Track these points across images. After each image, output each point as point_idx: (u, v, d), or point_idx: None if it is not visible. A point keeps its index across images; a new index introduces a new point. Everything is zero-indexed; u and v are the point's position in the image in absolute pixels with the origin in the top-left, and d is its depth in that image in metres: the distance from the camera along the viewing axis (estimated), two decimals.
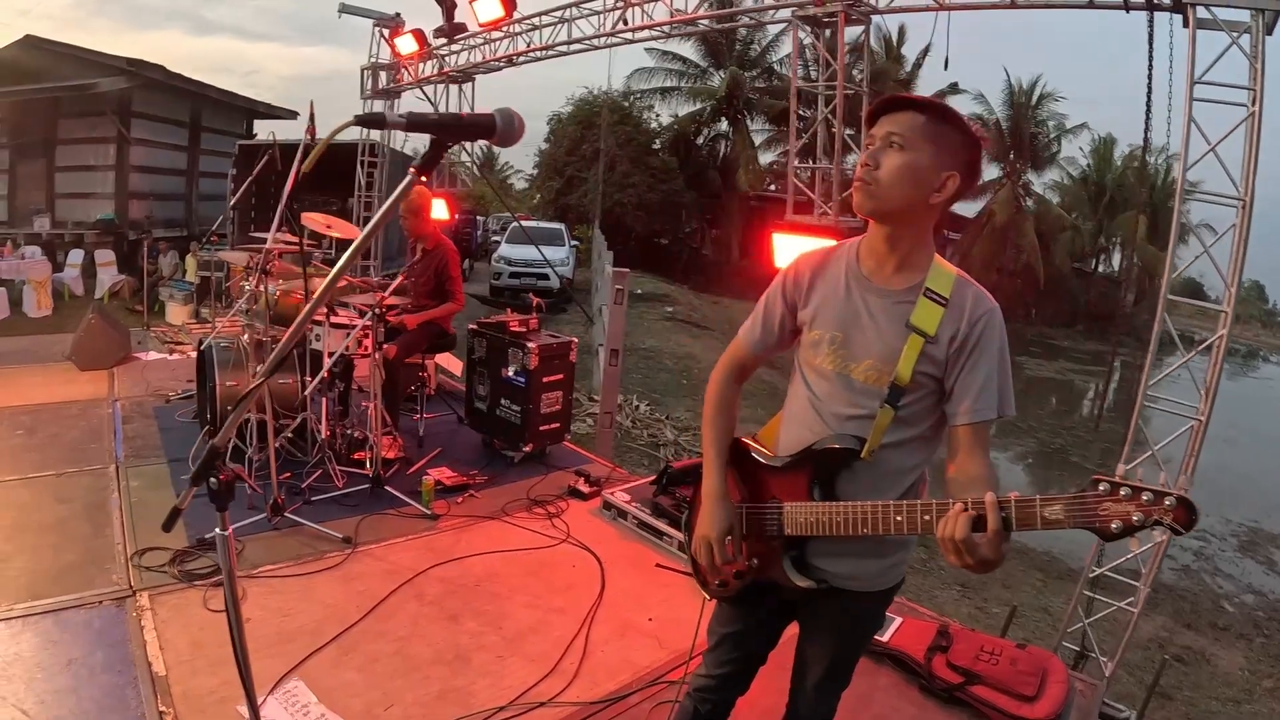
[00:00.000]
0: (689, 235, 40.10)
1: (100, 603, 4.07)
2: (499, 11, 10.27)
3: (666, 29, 9.84)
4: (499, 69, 12.25)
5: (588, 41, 10.30)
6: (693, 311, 26.28)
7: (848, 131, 7.57)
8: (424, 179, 1.74)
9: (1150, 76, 6.55)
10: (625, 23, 9.64)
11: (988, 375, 2.07)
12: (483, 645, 4.03)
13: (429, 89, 13.46)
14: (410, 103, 14.28)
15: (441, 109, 13.26)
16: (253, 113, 22.85)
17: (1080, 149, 42.85)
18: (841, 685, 2.52)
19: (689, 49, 35.52)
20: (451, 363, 9.37)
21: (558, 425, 6.82)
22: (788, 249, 6.52)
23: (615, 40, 10.11)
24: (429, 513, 5.49)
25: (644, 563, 5.12)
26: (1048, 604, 9.98)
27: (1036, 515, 1.73)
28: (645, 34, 10.05)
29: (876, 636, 4.07)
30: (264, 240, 5.92)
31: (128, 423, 6.87)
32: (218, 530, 1.95)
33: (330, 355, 5.77)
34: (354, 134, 14.70)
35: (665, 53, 35.28)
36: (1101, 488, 1.67)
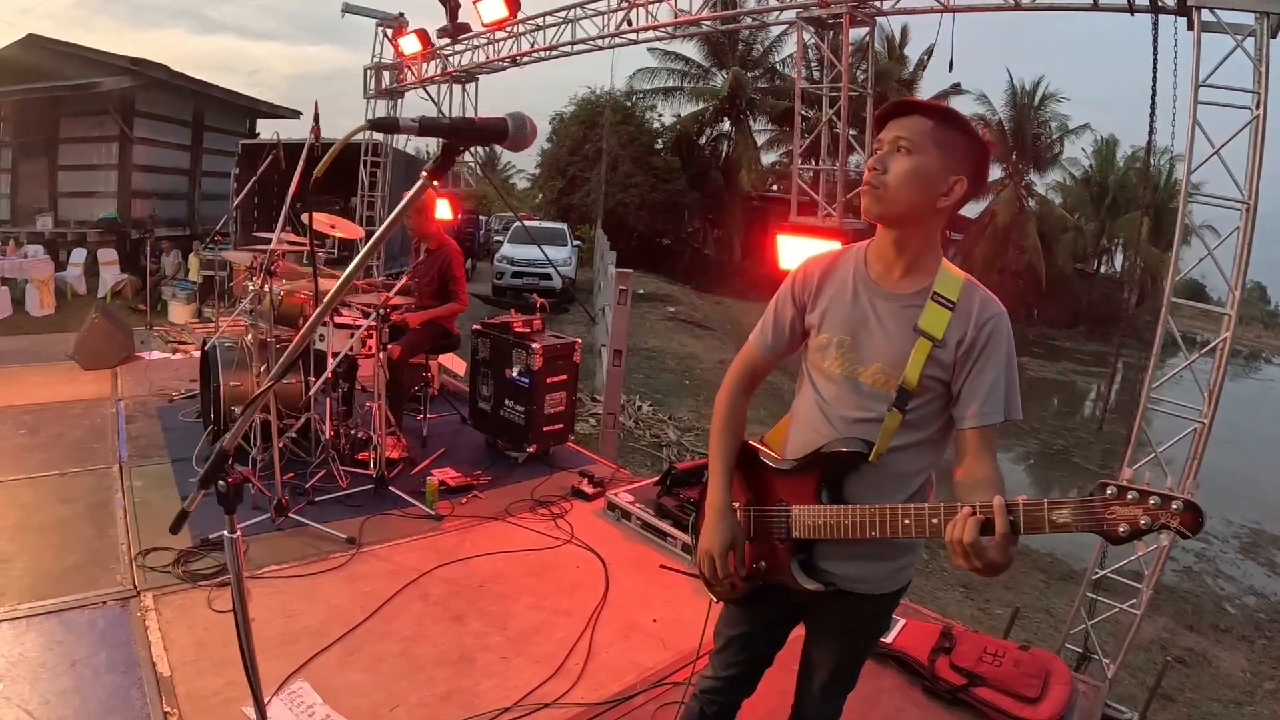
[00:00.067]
0: (691, 235, 40.12)
1: (104, 603, 4.08)
2: (503, 12, 10.26)
3: (670, 30, 9.83)
4: (503, 69, 12.23)
5: (591, 42, 10.29)
6: (695, 312, 26.27)
7: (851, 132, 7.57)
8: (436, 182, 1.74)
9: (1155, 79, 6.53)
10: (629, 23, 9.63)
11: (995, 379, 2.08)
12: (487, 646, 4.04)
13: (432, 89, 13.46)
14: (413, 102, 14.28)
15: (445, 109, 13.26)
16: (255, 112, 22.86)
17: (1083, 150, 42.79)
18: (848, 687, 2.52)
19: (691, 49, 35.55)
20: (455, 363, 9.38)
21: (561, 426, 6.82)
22: (792, 250, 6.52)
23: (619, 41, 10.09)
24: (433, 513, 5.49)
25: (648, 564, 5.12)
26: (1050, 605, 9.98)
27: (1044, 519, 1.73)
28: (649, 34, 10.05)
29: (880, 638, 4.07)
30: (267, 240, 5.93)
31: (131, 422, 6.87)
32: (225, 533, 1.94)
33: (334, 356, 5.77)
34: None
35: (668, 53, 35.30)
36: (1109, 491, 1.67)
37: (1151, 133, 7.01)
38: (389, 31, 13.24)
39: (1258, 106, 5.11)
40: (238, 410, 5.80)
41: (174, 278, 15.81)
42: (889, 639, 4.20)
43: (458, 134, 1.69)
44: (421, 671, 3.77)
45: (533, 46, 11.14)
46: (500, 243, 26.01)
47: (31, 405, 7.12)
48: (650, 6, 9.30)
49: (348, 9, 12.96)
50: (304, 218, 6.47)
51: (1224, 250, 5.49)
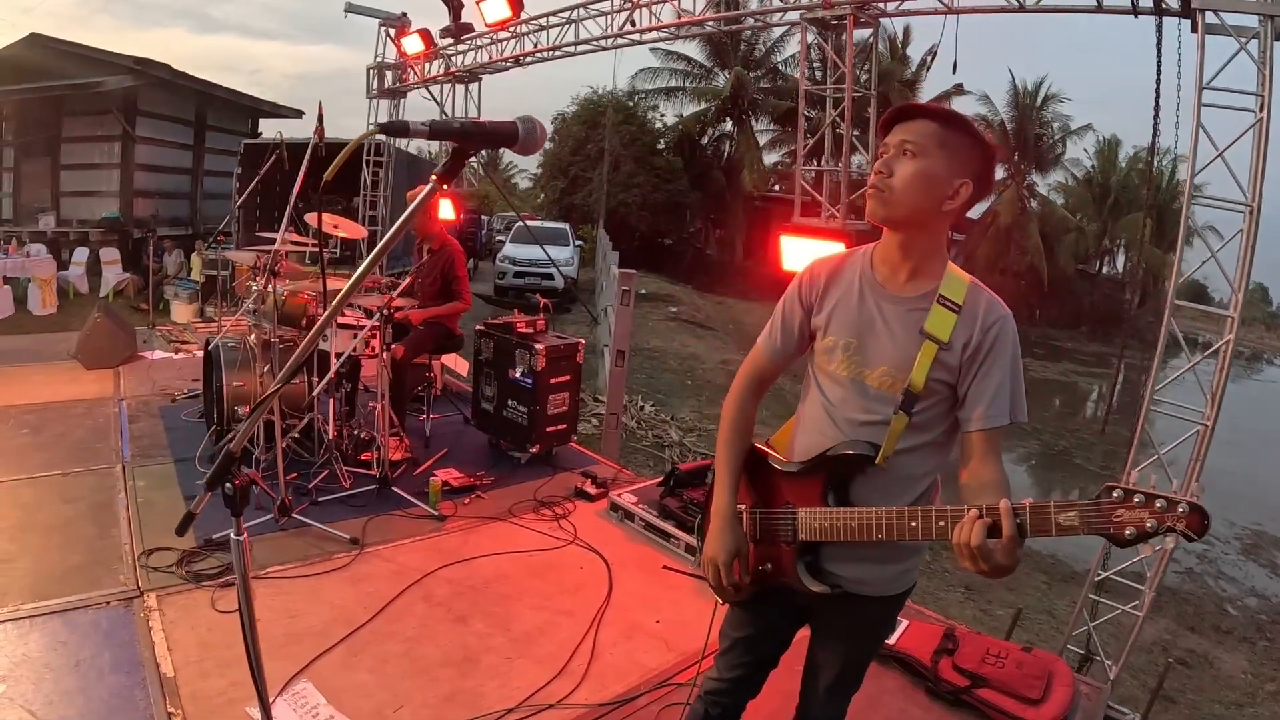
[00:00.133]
0: (693, 235, 40.14)
1: (108, 603, 4.07)
2: (506, 12, 10.28)
3: (673, 30, 9.84)
4: (506, 69, 12.27)
5: (595, 42, 10.31)
6: (697, 312, 26.29)
7: (854, 133, 7.58)
8: (446, 186, 1.75)
9: (1158, 81, 6.54)
10: (633, 24, 9.65)
11: (1000, 381, 2.08)
12: (491, 647, 4.04)
13: (435, 89, 13.48)
14: (416, 102, 14.30)
15: (447, 109, 13.27)
16: (258, 112, 22.82)
17: (1085, 150, 42.78)
18: (852, 689, 2.53)
19: (694, 49, 35.57)
20: (458, 363, 9.37)
21: (564, 426, 6.82)
22: (795, 251, 6.53)
23: (623, 41, 10.12)
24: (436, 514, 5.49)
25: (651, 564, 5.12)
26: (1052, 606, 9.99)
27: (1051, 521, 1.74)
28: (652, 35, 10.06)
29: (885, 640, 4.07)
30: (269, 240, 5.93)
31: (134, 422, 6.86)
32: (232, 535, 1.95)
33: (338, 356, 5.77)
34: (358, 133, 14.72)
35: (670, 53, 35.31)
36: (1115, 494, 1.68)
37: (1155, 134, 7.02)
38: (392, 31, 13.27)
39: (1261, 109, 5.12)
40: (241, 410, 5.81)
41: (176, 277, 15.79)
42: (892, 640, 4.21)
43: (468, 138, 1.69)
44: (425, 672, 3.77)
45: (536, 47, 11.17)
46: (502, 243, 26.02)
47: (34, 405, 7.12)
48: (654, 7, 9.32)
49: (350, 9, 12.98)
50: (310, 218, 6.49)
51: (1225, 251, 5.50)
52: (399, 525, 5.32)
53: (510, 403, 6.71)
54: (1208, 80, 5.31)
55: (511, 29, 11.10)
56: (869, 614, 2.37)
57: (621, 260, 14.67)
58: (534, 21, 10.92)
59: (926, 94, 35.55)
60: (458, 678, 3.75)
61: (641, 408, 14.13)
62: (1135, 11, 6.04)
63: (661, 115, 36.86)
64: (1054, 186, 42.75)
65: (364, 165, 14.09)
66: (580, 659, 4.01)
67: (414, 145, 17.33)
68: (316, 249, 7.43)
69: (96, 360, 8.60)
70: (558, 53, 10.96)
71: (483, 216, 34.73)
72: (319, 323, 1.85)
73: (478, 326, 7.02)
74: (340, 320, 6.03)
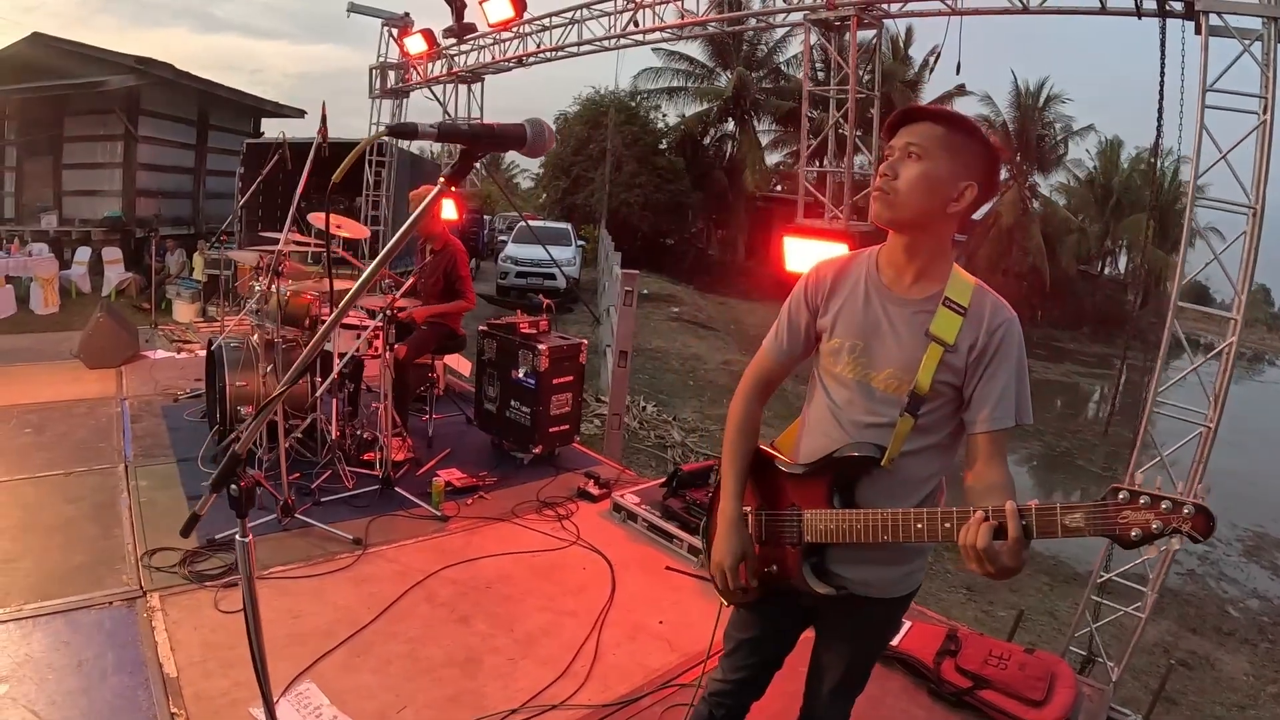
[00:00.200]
0: (695, 236, 40.12)
1: (111, 603, 4.07)
2: (509, 12, 10.30)
3: (676, 30, 9.84)
4: (508, 69, 12.28)
5: (598, 43, 10.31)
6: (698, 312, 26.30)
7: (856, 133, 7.58)
8: (454, 188, 1.75)
9: (1162, 82, 6.54)
10: (636, 24, 9.65)
11: (1006, 384, 2.08)
12: (494, 648, 4.04)
13: (438, 89, 13.48)
14: (418, 102, 14.31)
15: (450, 109, 13.28)
16: (260, 111, 22.85)
17: (1087, 151, 42.68)
18: (856, 691, 2.53)
19: (696, 49, 35.58)
20: (461, 364, 9.38)
21: (567, 427, 6.82)
22: (799, 252, 6.53)
23: (626, 42, 10.12)
24: (439, 514, 5.49)
25: (654, 565, 5.12)
26: (1054, 608, 9.99)
27: (1057, 523, 1.74)
28: (655, 35, 10.07)
29: (890, 642, 4.08)
30: (271, 239, 5.93)
31: (136, 422, 6.87)
32: (238, 537, 1.95)
33: (340, 356, 5.77)
34: (361, 133, 14.73)
35: (672, 53, 35.31)
36: (1121, 496, 1.68)
37: (1159, 135, 7.02)
38: (395, 31, 13.29)
39: (1265, 111, 5.12)
40: (244, 410, 5.81)
41: (178, 276, 15.81)
42: (895, 641, 4.20)
43: (477, 140, 1.69)
44: (429, 673, 3.77)
45: (539, 47, 11.18)
46: (504, 242, 26.02)
47: (36, 404, 7.13)
48: (657, 7, 9.32)
49: (353, 8, 12.98)
50: (313, 218, 6.50)
51: (1227, 252, 5.49)
52: (402, 525, 5.32)
53: (513, 403, 6.71)
54: (1211, 82, 5.31)
55: (514, 29, 11.11)
56: (874, 616, 2.37)
57: (623, 260, 14.67)
58: (537, 22, 10.93)
59: (929, 94, 35.54)
60: (461, 678, 3.75)
61: (644, 408, 14.13)
62: (1139, 13, 6.04)
63: (664, 115, 36.95)
64: (1056, 187, 42.71)
65: (367, 165, 14.09)
66: (583, 660, 4.01)
67: (416, 145, 17.33)
68: (320, 249, 7.48)
69: (99, 360, 8.61)
70: (560, 53, 10.96)
71: (485, 216, 34.76)
72: (326, 325, 1.84)
73: (481, 327, 7.02)
74: (343, 320, 6.03)
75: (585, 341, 6.90)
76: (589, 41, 10.40)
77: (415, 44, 12.67)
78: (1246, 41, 5.22)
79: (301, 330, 6.21)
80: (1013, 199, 38.36)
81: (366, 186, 14.22)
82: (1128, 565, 6.01)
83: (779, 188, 37.14)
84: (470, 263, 7.07)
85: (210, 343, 6.46)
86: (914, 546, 2.19)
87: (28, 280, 14.08)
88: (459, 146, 1.72)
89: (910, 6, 7.24)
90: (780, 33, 32.42)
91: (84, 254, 16.36)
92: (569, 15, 10.52)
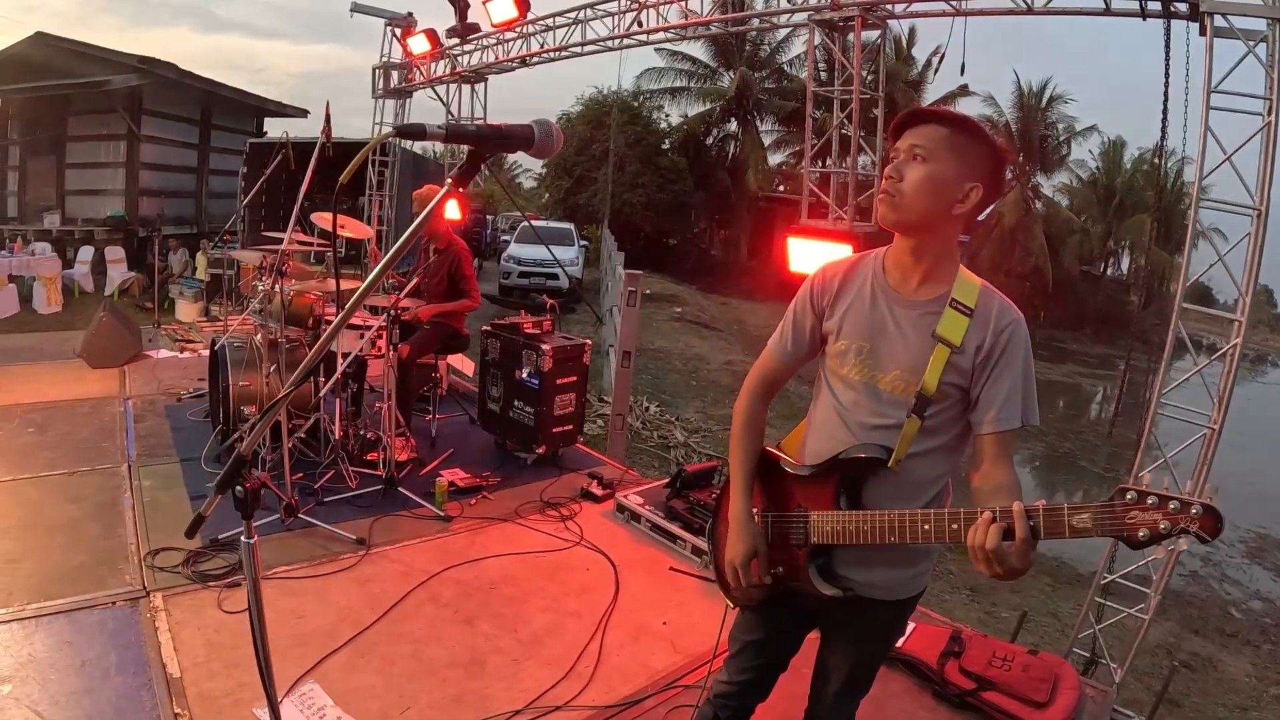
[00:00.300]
0: (697, 236, 40.12)
1: (114, 603, 4.08)
2: (512, 12, 10.28)
3: (680, 30, 9.84)
4: (512, 69, 12.26)
5: (601, 43, 10.30)
6: (701, 312, 26.28)
7: (860, 134, 7.57)
8: (461, 189, 1.74)
9: (1166, 83, 6.53)
10: (639, 24, 9.65)
11: (1012, 385, 2.08)
12: (498, 648, 4.04)
13: (441, 89, 13.47)
14: (421, 102, 14.32)
15: (454, 109, 13.27)
16: (263, 111, 22.84)
17: (1090, 152, 42.66)
18: (861, 692, 2.53)
19: (699, 49, 35.61)
20: (464, 363, 9.38)
21: (571, 427, 6.83)
22: (802, 253, 6.53)
23: (629, 42, 10.11)
24: (442, 514, 5.49)
25: (657, 566, 5.12)
26: (1056, 609, 9.97)
27: (1064, 524, 1.74)
28: (659, 35, 10.07)
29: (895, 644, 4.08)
30: (274, 239, 5.93)
31: (139, 421, 6.88)
32: (243, 538, 1.94)
33: (344, 356, 5.77)
34: (364, 133, 14.72)
35: (675, 53, 35.31)
36: (1128, 496, 1.67)
37: (1163, 137, 7.02)
38: (398, 31, 13.26)
39: (1269, 113, 5.10)
40: (246, 410, 5.81)
41: (181, 276, 15.83)
42: (899, 642, 4.20)
43: (484, 142, 1.69)
44: (433, 674, 3.77)
45: (542, 47, 11.16)
46: (507, 242, 26.04)
47: (39, 403, 7.14)
48: (660, 7, 9.32)
49: (356, 8, 12.96)
50: (317, 218, 6.49)
51: (1231, 253, 5.49)
52: (405, 526, 5.32)
53: (516, 403, 6.71)
54: (1216, 83, 5.30)
55: (518, 29, 11.09)
56: (879, 618, 2.37)
57: (626, 260, 14.67)
58: (540, 22, 10.91)
59: (931, 95, 35.50)
60: (465, 679, 3.75)
61: (646, 408, 14.12)
62: (1143, 15, 6.03)
63: (666, 115, 36.99)
64: (1059, 188, 42.68)
65: (370, 165, 14.08)
66: (587, 661, 4.01)
67: (419, 145, 17.31)
68: (324, 249, 7.48)
69: (102, 359, 8.62)
70: (564, 53, 10.94)
71: (487, 216, 34.76)
72: (333, 326, 1.84)
73: (484, 327, 7.02)
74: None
75: (589, 342, 6.91)
76: (592, 41, 10.39)
77: (418, 44, 12.65)
78: (1251, 43, 5.20)
79: (305, 330, 6.22)
80: (1015, 199, 38.32)
81: (370, 186, 14.20)
82: (1131, 567, 6.00)
83: (781, 188, 37.14)
84: (474, 262, 7.08)
85: (213, 342, 6.46)
86: (921, 548, 2.19)
87: (31, 279, 14.10)
88: (465, 147, 1.71)
89: (914, 7, 7.23)
90: (783, 33, 32.41)
91: (87, 253, 16.38)
92: (572, 15, 10.51)
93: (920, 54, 37.16)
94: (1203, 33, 5.40)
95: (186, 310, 13.03)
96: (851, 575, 2.25)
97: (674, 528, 5.40)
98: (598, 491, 6.11)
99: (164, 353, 9.59)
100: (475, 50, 12.36)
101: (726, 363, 19.53)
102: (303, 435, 6.03)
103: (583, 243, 27.07)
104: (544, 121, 1.71)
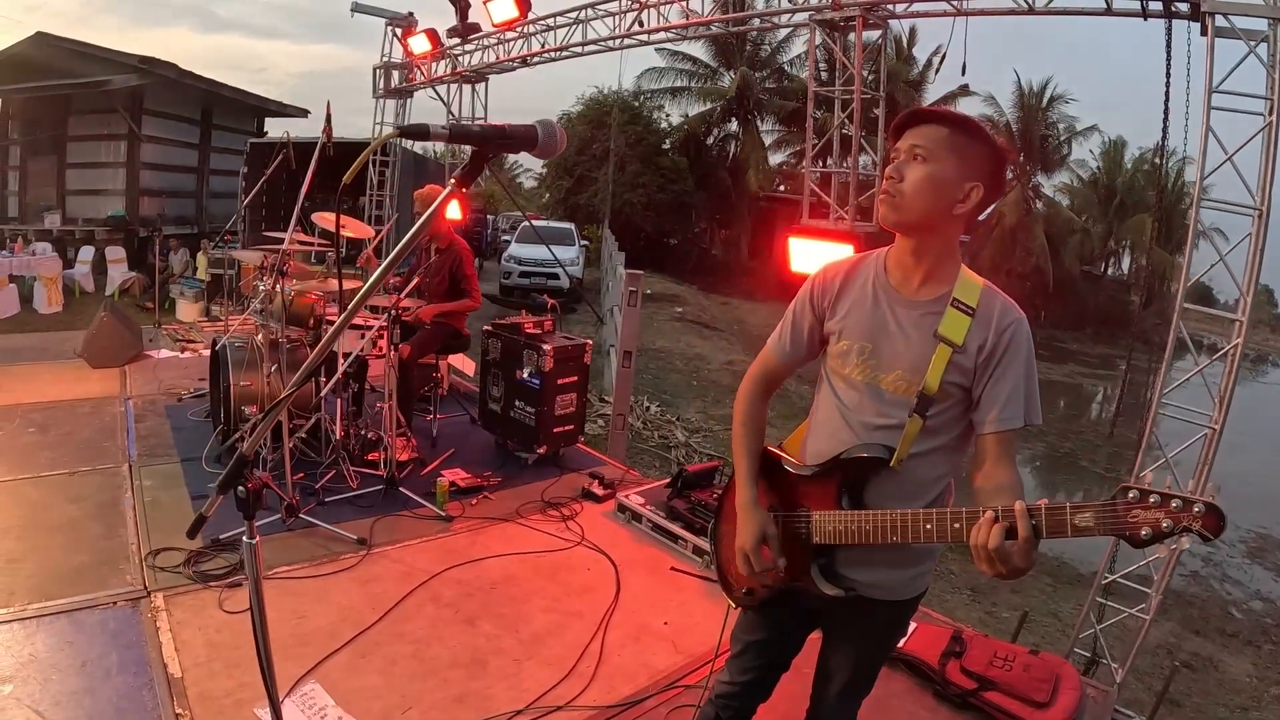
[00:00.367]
0: (698, 235, 40.09)
1: (115, 603, 4.08)
2: (513, 12, 10.28)
3: (681, 30, 9.84)
4: (513, 69, 12.27)
5: (602, 43, 10.31)
6: (702, 312, 26.28)
7: (860, 133, 7.58)
8: (464, 189, 1.74)
9: (1168, 84, 6.54)
10: (640, 24, 9.65)
11: (1015, 384, 2.08)
12: (499, 648, 4.04)
13: (441, 89, 13.47)
14: (422, 102, 14.34)
15: (454, 109, 13.28)
16: (264, 111, 22.83)
17: (1090, 151, 42.61)
18: (864, 692, 2.53)
19: (699, 49, 35.57)
20: (465, 363, 9.38)
21: (572, 427, 6.82)
22: (804, 253, 6.53)
23: (630, 42, 10.12)
24: (443, 514, 5.49)
25: (659, 566, 5.12)
26: (1057, 609, 9.97)
27: (1067, 523, 1.73)
28: (660, 35, 10.07)
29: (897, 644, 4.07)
30: (275, 239, 5.93)
31: (140, 421, 6.88)
32: (245, 539, 1.94)
33: (345, 356, 5.77)
34: (365, 133, 14.73)
35: (676, 53, 35.28)
36: (1131, 495, 1.67)
37: (1164, 137, 7.02)
38: (398, 31, 13.28)
39: (1270, 113, 5.10)
40: (247, 410, 5.81)
41: (182, 276, 15.83)
42: (900, 642, 4.20)
43: (488, 142, 1.68)
44: (434, 674, 3.77)
45: (543, 47, 11.17)
46: (508, 242, 26.02)
47: (40, 403, 7.14)
48: (661, 8, 9.32)
49: (357, 8, 12.97)
50: (317, 218, 6.49)
51: (1232, 253, 5.49)
52: (406, 526, 5.32)
53: (517, 403, 6.71)
54: (1217, 83, 5.30)
55: (519, 29, 11.10)
56: (881, 618, 2.37)
57: (627, 260, 14.66)
58: (541, 22, 10.92)
59: (932, 94, 35.48)
60: (466, 679, 3.75)
61: (647, 408, 14.11)
62: (1145, 14, 6.03)
63: (667, 115, 36.93)
64: (1059, 188, 42.58)
65: (370, 165, 14.08)
66: (589, 661, 4.01)
67: (420, 144, 17.32)
68: (324, 249, 7.48)
69: (102, 359, 8.62)
70: (565, 53, 10.95)
71: (488, 216, 34.74)
72: (335, 326, 1.84)
73: (485, 327, 7.02)
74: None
75: (590, 341, 6.91)
76: (593, 41, 10.39)
77: (419, 44, 12.66)
78: (1253, 43, 5.20)
79: (306, 330, 6.22)
80: (1016, 199, 38.28)
81: (370, 186, 14.21)
82: (1132, 567, 6.01)
83: (782, 188, 37.14)
84: (475, 262, 7.08)
85: (214, 342, 6.46)
86: (922, 548, 2.19)
87: (31, 279, 14.11)
88: (466, 147, 1.71)
89: (915, 7, 7.23)
90: (784, 32, 32.38)
91: (87, 253, 16.39)
92: (573, 15, 10.52)
93: (921, 54, 37.20)
94: (1204, 33, 5.41)
95: (187, 310, 13.04)
96: (854, 575, 2.25)
97: (675, 528, 5.40)
98: (599, 491, 6.11)
99: (165, 353, 9.59)
100: (476, 50, 12.38)
101: (727, 363, 19.53)
102: (304, 435, 6.03)
103: (583, 243, 27.05)
104: (547, 122, 1.71)
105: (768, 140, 36.98)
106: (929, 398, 2.10)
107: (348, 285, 5.12)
